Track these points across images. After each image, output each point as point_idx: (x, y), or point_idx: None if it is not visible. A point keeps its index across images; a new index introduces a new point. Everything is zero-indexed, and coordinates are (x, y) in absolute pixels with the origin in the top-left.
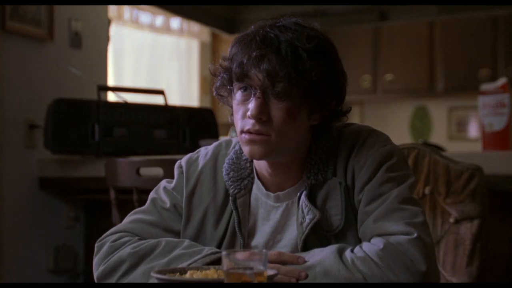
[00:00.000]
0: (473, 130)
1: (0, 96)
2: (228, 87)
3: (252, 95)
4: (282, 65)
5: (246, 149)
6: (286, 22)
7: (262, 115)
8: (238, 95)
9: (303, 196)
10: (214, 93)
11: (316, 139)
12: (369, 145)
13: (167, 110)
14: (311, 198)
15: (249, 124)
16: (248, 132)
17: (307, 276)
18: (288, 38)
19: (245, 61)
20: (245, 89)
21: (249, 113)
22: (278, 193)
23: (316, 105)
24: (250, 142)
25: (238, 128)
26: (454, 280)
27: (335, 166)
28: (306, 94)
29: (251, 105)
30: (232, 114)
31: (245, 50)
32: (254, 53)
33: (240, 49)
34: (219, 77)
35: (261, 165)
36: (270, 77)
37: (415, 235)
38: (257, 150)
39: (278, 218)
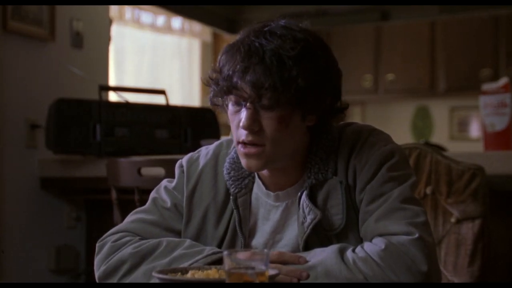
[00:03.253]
0: (475, 130)
1: (1, 96)
2: (220, 98)
3: (243, 106)
4: (266, 75)
5: (243, 162)
6: (273, 27)
7: (253, 126)
8: (230, 105)
9: (303, 196)
10: (209, 103)
11: (316, 139)
12: (370, 144)
13: (168, 110)
14: (312, 198)
15: (243, 135)
16: (243, 143)
17: (308, 276)
18: (273, 46)
19: (230, 73)
20: (236, 99)
21: (241, 124)
22: (278, 192)
23: (308, 108)
24: (246, 155)
25: (234, 139)
26: (456, 280)
27: (335, 165)
28: (295, 101)
29: (242, 116)
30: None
31: (231, 62)
32: (238, 66)
33: (227, 61)
34: (211, 88)
35: None
36: (256, 89)
37: (417, 235)
38: (253, 163)
39: (278, 217)
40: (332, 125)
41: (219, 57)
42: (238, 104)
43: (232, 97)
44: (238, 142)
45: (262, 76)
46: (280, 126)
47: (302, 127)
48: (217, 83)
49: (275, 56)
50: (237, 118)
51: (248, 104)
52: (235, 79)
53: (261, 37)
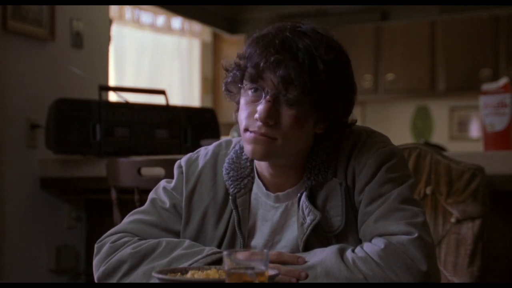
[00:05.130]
0: (475, 130)
1: (1, 96)
2: (239, 85)
3: (263, 97)
4: (298, 73)
5: (248, 148)
6: (305, 28)
7: (270, 119)
8: (249, 94)
9: (303, 197)
10: (223, 88)
11: (317, 143)
12: (369, 146)
13: (168, 110)
14: (311, 199)
15: (255, 125)
16: (253, 132)
17: (307, 276)
18: (306, 45)
19: (261, 63)
20: (256, 90)
21: (257, 115)
22: (278, 193)
23: (324, 115)
24: (254, 141)
25: (242, 126)
26: (456, 280)
27: (335, 167)
28: (316, 104)
29: (260, 107)
30: (236, 110)
31: (263, 52)
32: (272, 58)
33: (258, 50)
34: (231, 73)
35: (262, 166)
36: (285, 83)
37: (416, 235)
38: (259, 150)
39: (277, 218)
40: (335, 134)
41: (246, 45)
42: (257, 94)
43: (253, 86)
44: (247, 130)
45: (294, 72)
46: (296, 125)
47: (311, 132)
48: (241, 69)
49: (308, 55)
50: (251, 108)
51: (268, 97)
52: (265, 69)
53: (295, 34)
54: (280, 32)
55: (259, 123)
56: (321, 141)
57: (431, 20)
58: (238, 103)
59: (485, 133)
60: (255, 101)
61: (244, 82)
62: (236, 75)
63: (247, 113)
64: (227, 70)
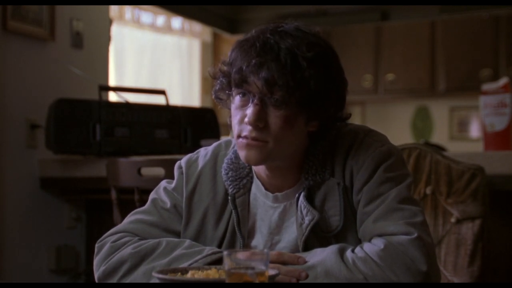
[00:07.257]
0: (475, 130)
1: (1, 96)
2: (227, 91)
3: (250, 101)
4: (281, 73)
5: (242, 154)
6: (287, 28)
7: (259, 122)
8: (237, 99)
9: (301, 198)
10: (213, 96)
11: (313, 142)
12: (367, 145)
13: (168, 110)
14: (310, 199)
15: (246, 130)
16: (245, 137)
17: (307, 276)
18: (288, 45)
19: (244, 67)
20: (243, 94)
21: (246, 119)
22: (277, 194)
23: (314, 113)
24: (247, 147)
25: (235, 132)
26: (456, 280)
27: (332, 166)
28: (304, 103)
29: (249, 111)
30: (230, 116)
31: (245, 56)
32: (254, 61)
33: (240, 54)
34: (218, 81)
35: (259, 168)
36: (269, 85)
37: (416, 235)
38: (253, 155)
39: (275, 219)
40: (330, 131)
41: (230, 51)
42: (245, 99)
43: (240, 91)
44: (239, 136)
45: (276, 73)
46: (286, 125)
47: (304, 131)
48: (227, 75)
49: (290, 54)
50: (241, 113)
51: (256, 100)
52: (248, 73)
53: (276, 35)
54: (261, 34)
55: (249, 127)
56: (316, 140)
57: (431, 20)
58: (230, 109)
59: (485, 133)
60: (244, 105)
61: (232, 88)
62: (223, 82)
63: (237, 118)
64: (214, 77)
